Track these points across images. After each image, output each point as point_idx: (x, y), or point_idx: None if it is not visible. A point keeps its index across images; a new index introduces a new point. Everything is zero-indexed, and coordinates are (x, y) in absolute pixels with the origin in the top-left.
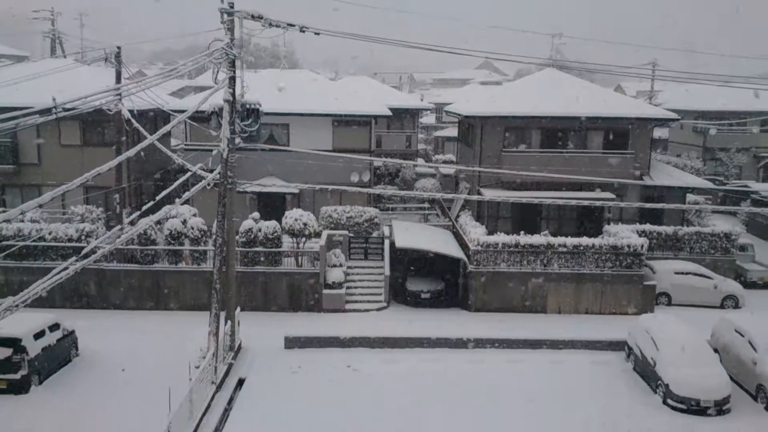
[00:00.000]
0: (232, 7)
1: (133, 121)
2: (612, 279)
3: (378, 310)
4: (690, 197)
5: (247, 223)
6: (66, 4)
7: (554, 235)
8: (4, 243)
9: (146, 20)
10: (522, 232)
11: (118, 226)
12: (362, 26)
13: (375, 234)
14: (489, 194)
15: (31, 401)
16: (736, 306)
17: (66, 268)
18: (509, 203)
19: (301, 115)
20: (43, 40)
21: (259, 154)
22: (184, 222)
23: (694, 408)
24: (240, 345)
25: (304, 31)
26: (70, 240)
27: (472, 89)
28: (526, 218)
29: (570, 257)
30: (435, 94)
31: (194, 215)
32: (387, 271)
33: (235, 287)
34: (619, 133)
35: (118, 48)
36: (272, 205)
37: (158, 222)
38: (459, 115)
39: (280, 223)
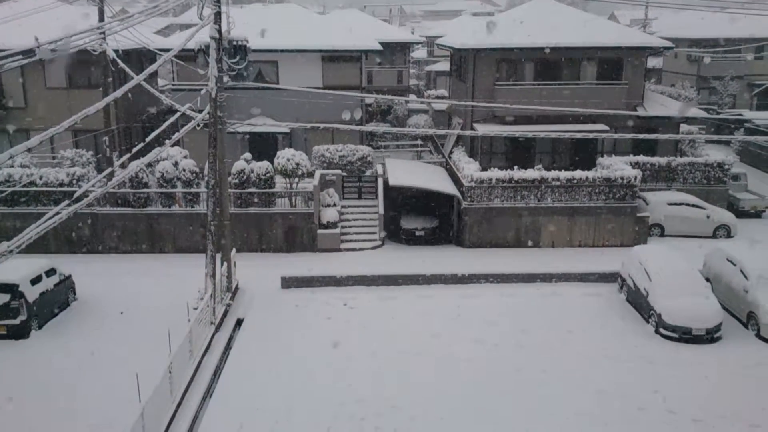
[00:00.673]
0: None
1: (118, 61)
2: (605, 211)
3: (373, 248)
4: (684, 127)
5: (239, 164)
6: None
7: (548, 169)
8: None
9: None
10: (515, 167)
11: (109, 169)
12: None
13: (368, 172)
14: (482, 129)
15: (31, 345)
16: (729, 235)
17: (58, 213)
18: (503, 138)
19: (290, 51)
20: None
21: (248, 93)
22: (176, 164)
23: (685, 336)
24: (237, 286)
25: None
26: (61, 185)
27: (463, 21)
28: (520, 153)
29: (563, 191)
30: (426, 26)
31: (185, 157)
32: (381, 209)
33: (230, 229)
34: (612, 64)
35: None
36: (264, 146)
37: (149, 164)
38: (451, 48)
39: (273, 163)
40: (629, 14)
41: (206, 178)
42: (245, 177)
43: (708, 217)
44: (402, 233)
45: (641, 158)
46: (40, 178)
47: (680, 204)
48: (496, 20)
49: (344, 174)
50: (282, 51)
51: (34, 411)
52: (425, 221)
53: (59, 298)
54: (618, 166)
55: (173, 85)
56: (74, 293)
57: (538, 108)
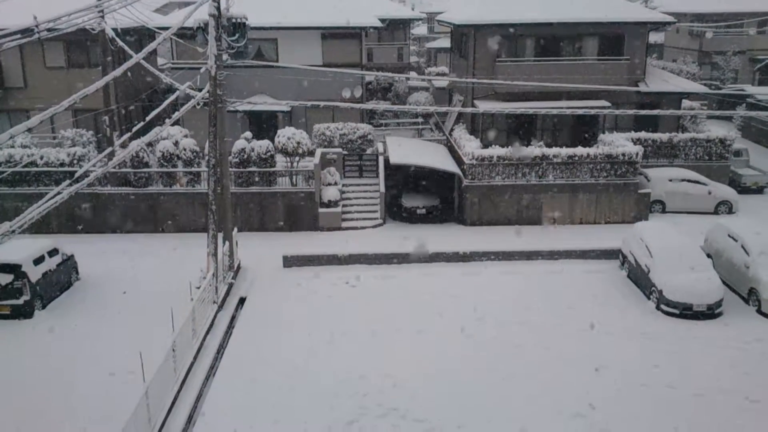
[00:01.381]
0: None
1: (117, 40)
2: (607, 188)
3: (374, 227)
4: (686, 103)
5: (240, 143)
6: None
7: (549, 146)
8: None
9: None
10: (517, 144)
11: (109, 149)
12: None
13: (369, 151)
14: (483, 106)
15: (35, 325)
16: (730, 211)
17: (60, 193)
18: (504, 115)
19: (289, 29)
20: None
21: (248, 72)
22: (176, 143)
23: (686, 312)
24: (239, 265)
25: None
26: (62, 164)
27: None
28: (521, 130)
29: (565, 168)
30: (427, 3)
31: (186, 136)
32: (382, 188)
33: (231, 208)
34: (614, 39)
35: None
36: (264, 124)
37: (150, 144)
38: (451, 24)
39: (273, 142)
40: None
41: (207, 157)
42: (246, 156)
43: (709, 193)
44: (403, 211)
45: (643, 134)
46: (41, 158)
47: (682, 180)
48: None
49: (345, 152)
50: (281, 28)
51: (38, 390)
52: (426, 199)
53: (62, 278)
54: (619, 143)
55: (173, 63)
56: (77, 273)
57: (539, 84)
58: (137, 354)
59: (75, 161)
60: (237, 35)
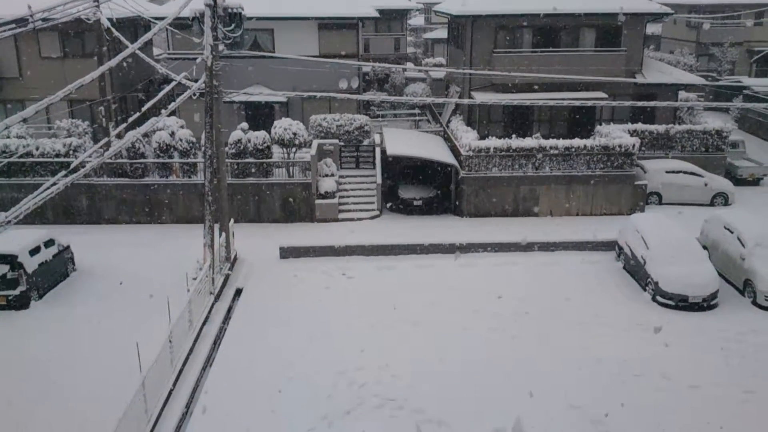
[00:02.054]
0: None
1: (113, 30)
2: (603, 180)
3: (371, 218)
4: (682, 94)
5: (236, 134)
6: None
7: (546, 137)
8: None
9: None
10: (514, 136)
11: (105, 140)
12: None
13: (366, 142)
14: (480, 98)
15: (32, 316)
16: (726, 203)
17: (55, 183)
18: (501, 107)
19: (286, 19)
20: None
21: (244, 62)
22: (172, 134)
23: (682, 304)
24: (236, 256)
25: None
26: (57, 155)
27: None
28: (518, 121)
29: (561, 159)
30: None
31: (182, 127)
32: (379, 179)
33: (228, 199)
34: (611, 30)
35: None
36: (260, 115)
37: (145, 135)
38: (448, 14)
39: (270, 133)
40: None
41: (203, 148)
42: (242, 147)
43: (706, 184)
44: (400, 203)
45: (639, 126)
46: (37, 149)
47: (678, 172)
48: None
49: (342, 144)
50: (277, 19)
51: (34, 381)
52: (423, 191)
53: (58, 268)
54: (616, 134)
55: (169, 53)
56: (73, 264)
57: (536, 75)
58: (134, 345)
59: (71, 152)
60: (233, 25)
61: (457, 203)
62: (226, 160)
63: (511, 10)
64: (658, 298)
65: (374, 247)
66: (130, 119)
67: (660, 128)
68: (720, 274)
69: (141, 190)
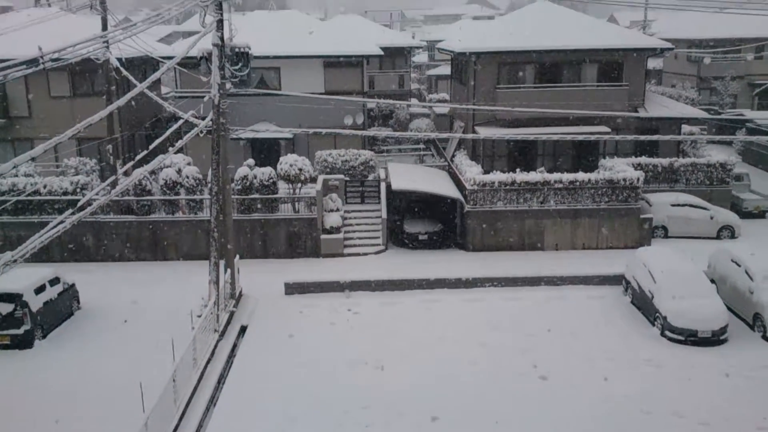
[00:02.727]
0: None
1: (122, 69)
2: (608, 213)
3: (376, 253)
4: (685, 128)
5: (243, 170)
6: None
7: (550, 171)
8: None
9: None
10: (518, 170)
11: (113, 177)
12: None
13: (371, 177)
14: (484, 132)
15: (35, 355)
16: (733, 236)
17: (62, 222)
18: (505, 141)
19: (292, 57)
20: None
21: (251, 100)
22: (179, 171)
23: (692, 339)
24: (241, 292)
25: None
26: (65, 193)
27: (464, 25)
28: (522, 155)
29: (566, 193)
30: (427, 31)
31: (189, 164)
32: (384, 214)
33: (233, 235)
34: (613, 65)
35: None
36: (267, 151)
37: (153, 172)
38: (452, 52)
39: (276, 169)
40: (628, 16)
41: (209, 185)
42: (248, 183)
43: (711, 218)
44: (405, 237)
45: (643, 159)
46: (44, 187)
47: (683, 205)
48: (496, 24)
49: (347, 179)
50: (284, 57)
51: (37, 421)
52: (428, 225)
53: (63, 307)
54: (620, 168)
55: (176, 92)
56: (78, 302)
57: (539, 110)
58: (137, 384)
59: (78, 189)
60: (240, 64)
61: (462, 237)
62: (233, 196)
63: (513, 46)
64: (667, 332)
65: (379, 283)
66: (138, 157)
67: (664, 162)
68: (729, 308)
69: (147, 227)
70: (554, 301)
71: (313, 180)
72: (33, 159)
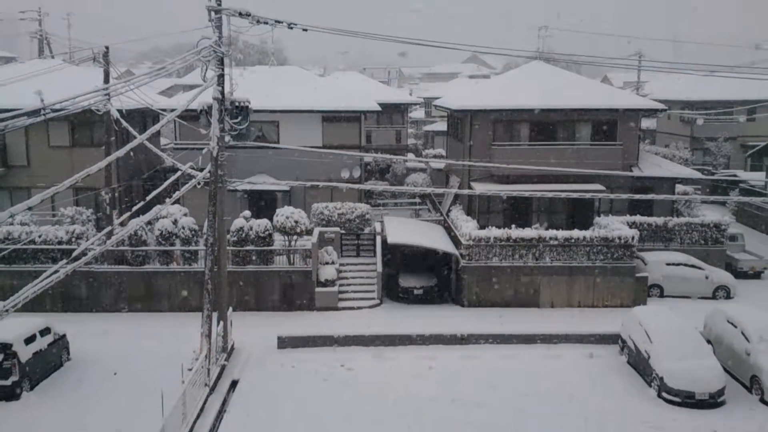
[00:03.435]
0: (219, 5)
1: (122, 120)
2: (604, 271)
3: (371, 307)
4: (679, 188)
5: (239, 222)
6: (53, 3)
7: (545, 228)
8: None
9: (133, 18)
10: (513, 226)
11: (108, 228)
12: (352, 21)
13: (367, 230)
14: (480, 188)
15: (22, 408)
16: (728, 296)
17: (56, 271)
18: (500, 197)
19: (291, 112)
20: (31, 41)
21: (249, 152)
22: (175, 222)
23: (689, 401)
24: (233, 346)
25: (292, 28)
26: (60, 242)
27: (460, 83)
28: (517, 212)
29: (562, 250)
30: (424, 88)
31: (185, 215)
32: (379, 267)
33: (227, 287)
34: (607, 125)
35: (106, 48)
36: (263, 203)
37: (149, 222)
38: (448, 109)
39: (272, 221)
40: (622, 77)
41: (205, 236)
42: (244, 234)
43: (707, 277)
44: (400, 291)
45: (638, 218)
46: (39, 236)
47: (679, 264)
48: (492, 82)
49: (343, 232)
50: (283, 111)
51: None
52: (424, 280)
53: (53, 358)
54: (615, 226)
55: (175, 143)
56: (68, 353)
57: (534, 168)
58: None
59: (73, 239)
60: (240, 118)
61: (457, 292)
62: (228, 248)
63: (508, 105)
64: (664, 394)
65: (373, 337)
66: (134, 208)
67: (659, 220)
68: (725, 370)
69: (141, 277)
70: (550, 360)
71: (309, 232)
72: (30, 208)
